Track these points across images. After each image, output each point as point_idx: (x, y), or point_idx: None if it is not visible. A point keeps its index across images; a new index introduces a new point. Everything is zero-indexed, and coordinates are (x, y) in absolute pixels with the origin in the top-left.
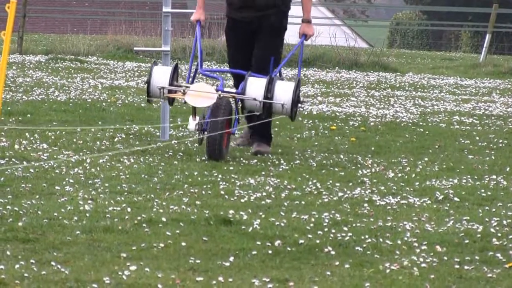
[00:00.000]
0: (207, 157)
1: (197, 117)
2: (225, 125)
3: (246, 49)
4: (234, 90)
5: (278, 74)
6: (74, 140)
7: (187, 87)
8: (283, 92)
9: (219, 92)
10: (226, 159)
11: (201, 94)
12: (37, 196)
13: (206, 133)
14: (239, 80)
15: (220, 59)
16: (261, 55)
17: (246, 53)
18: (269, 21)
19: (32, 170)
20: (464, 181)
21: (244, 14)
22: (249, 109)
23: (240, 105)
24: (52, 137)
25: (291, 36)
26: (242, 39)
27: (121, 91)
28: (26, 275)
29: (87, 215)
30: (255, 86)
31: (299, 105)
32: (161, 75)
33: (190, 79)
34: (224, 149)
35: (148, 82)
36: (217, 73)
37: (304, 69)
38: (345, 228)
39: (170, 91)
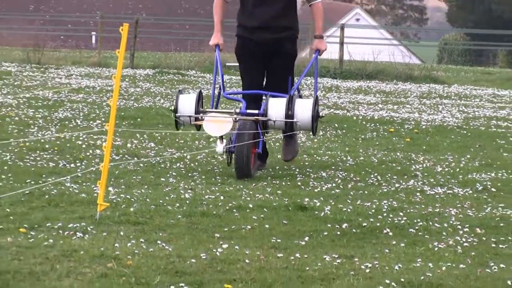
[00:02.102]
0: (236, 177)
1: (224, 140)
2: (251, 146)
3: (259, 71)
4: (256, 111)
5: (296, 92)
6: (177, 140)
7: (204, 112)
8: (303, 110)
9: (235, 117)
10: (254, 177)
11: (216, 120)
12: (146, 186)
13: (233, 154)
14: (256, 101)
15: None
16: (276, 81)
17: (259, 75)
18: (285, 49)
19: (141, 165)
20: (500, 174)
21: (258, 36)
22: (271, 129)
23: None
24: (158, 138)
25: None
26: (256, 60)
27: None
28: (136, 251)
29: (187, 202)
30: (276, 107)
31: (319, 119)
32: (186, 103)
33: (214, 104)
34: (252, 169)
35: (175, 111)
36: (240, 95)
37: (368, 81)
38: (401, 213)
39: (196, 119)
